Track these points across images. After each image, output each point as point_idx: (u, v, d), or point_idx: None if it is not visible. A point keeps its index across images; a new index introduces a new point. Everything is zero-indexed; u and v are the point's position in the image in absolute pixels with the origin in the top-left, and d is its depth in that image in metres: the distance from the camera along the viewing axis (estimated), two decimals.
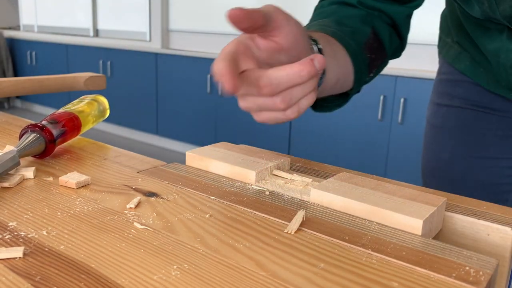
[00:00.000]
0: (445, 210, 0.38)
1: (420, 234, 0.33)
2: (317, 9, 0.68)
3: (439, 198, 0.37)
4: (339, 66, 0.57)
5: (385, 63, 0.68)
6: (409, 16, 0.66)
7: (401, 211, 0.34)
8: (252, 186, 0.43)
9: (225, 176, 0.45)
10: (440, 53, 0.78)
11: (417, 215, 0.34)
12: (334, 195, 0.38)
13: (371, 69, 0.64)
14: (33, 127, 0.48)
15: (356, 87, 0.63)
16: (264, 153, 0.49)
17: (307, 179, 0.44)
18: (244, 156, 0.47)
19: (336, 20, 0.62)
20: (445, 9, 0.75)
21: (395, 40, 0.66)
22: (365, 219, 0.36)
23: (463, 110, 0.72)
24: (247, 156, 0.47)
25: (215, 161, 0.46)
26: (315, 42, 0.52)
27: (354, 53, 0.59)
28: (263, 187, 0.42)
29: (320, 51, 0.51)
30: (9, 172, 0.43)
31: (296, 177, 0.44)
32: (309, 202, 0.39)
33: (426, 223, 0.34)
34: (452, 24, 0.72)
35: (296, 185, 0.42)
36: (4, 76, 4.86)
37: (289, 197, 0.40)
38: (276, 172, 0.45)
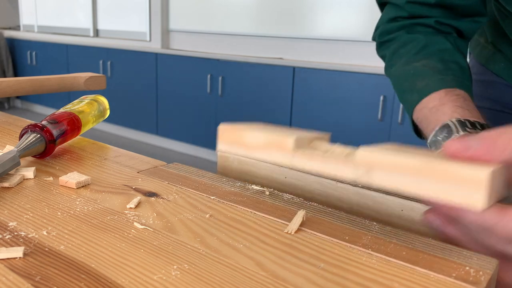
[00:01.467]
0: None
1: (484, 191, 0.27)
2: (385, 33, 0.64)
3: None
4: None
5: None
6: (476, 31, 0.65)
7: (462, 164, 0.29)
8: (253, 186, 0.43)
9: (259, 148, 0.39)
10: (470, 52, 0.76)
11: (482, 168, 0.28)
12: (384, 153, 0.32)
13: None
14: (33, 127, 0.48)
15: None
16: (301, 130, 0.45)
17: (349, 149, 0.38)
18: (281, 128, 0.43)
19: (440, 59, 0.58)
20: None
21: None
22: (365, 220, 0.36)
23: (494, 112, 0.71)
24: (284, 129, 0.43)
25: (250, 132, 0.40)
26: (480, 125, 0.49)
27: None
28: (298, 164, 0.37)
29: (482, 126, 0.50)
30: (9, 172, 0.43)
31: (336, 148, 0.39)
32: (309, 202, 0.39)
33: (494, 176, 0.28)
34: (488, 24, 0.71)
35: (338, 153, 0.37)
36: (4, 76, 4.87)
37: (289, 197, 0.40)
38: (315, 143, 0.40)
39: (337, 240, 0.32)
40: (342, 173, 0.34)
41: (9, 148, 0.50)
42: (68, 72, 0.79)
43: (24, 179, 0.43)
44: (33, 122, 0.51)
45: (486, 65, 0.71)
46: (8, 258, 0.29)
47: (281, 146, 0.38)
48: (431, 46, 0.60)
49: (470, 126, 0.49)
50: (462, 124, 0.49)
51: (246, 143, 0.40)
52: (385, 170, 0.31)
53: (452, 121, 0.50)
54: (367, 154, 0.32)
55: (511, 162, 0.30)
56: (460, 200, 0.28)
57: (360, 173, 0.33)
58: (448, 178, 0.28)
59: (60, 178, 0.42)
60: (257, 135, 0.40)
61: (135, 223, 0.34)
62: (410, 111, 0.59)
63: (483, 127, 0.49)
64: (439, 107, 0.54)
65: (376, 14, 0.70)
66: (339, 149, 0.37)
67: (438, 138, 0.51)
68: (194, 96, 3.44)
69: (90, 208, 0.37)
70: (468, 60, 0.78)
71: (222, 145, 0.42)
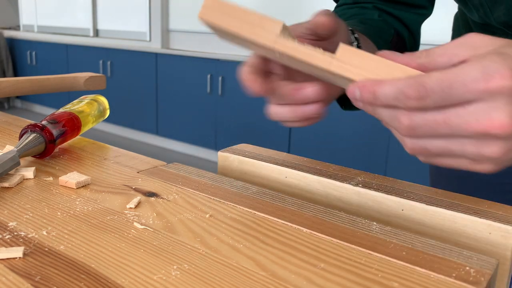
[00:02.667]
0: (446, 209, 0.38)
1: None
2: (336, 12, 0.70)
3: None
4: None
5: None
6: (420, 24, 0.69)
7: None
8: (253, 186, 0.42)
9: (245, 23, 0.38)
10: None
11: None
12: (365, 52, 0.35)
13: None
14: (33, 127, 0.48)
15: None
16: None
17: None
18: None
19: (361, 20, 0.64)
20: (457, 11, 0.76)
21: (411, 42, 0.70)
22: (365, 220, 0.36)
23: None
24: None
25: (240, 7, 0.39)
26: (352, 31, 0.53)
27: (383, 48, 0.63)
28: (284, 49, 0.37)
29: (357, 40, 0.53)
30: (9, 172, 0.43)
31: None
32: (309, 202, 0.39)
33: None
34: (463, 27, 0.73)
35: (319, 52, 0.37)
36: (4, 76, 4.87)
37: (289, 198, 0.40)
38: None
39: (337, 240, 0.32)
40: (317, 62, 0.36)
41: (9, 148, 0.50)
42: (68, 72, 0.79)
43: (24, 179, 0.43)
44: (33, 122, 0.51)
45: None
46: (8, 258, 0.29)
47: (268, 28, 0.37)
48: (361, 15, 0.66)
49: None
50: None
51: (233, 16, 0.39)
52: (353, 65, 0.35)
53: None
54: (341, 50, 0.35)
55: (425, 66, 0.34)
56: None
57: (331, 64, 0.36)
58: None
59: (60, 178, 0.42)
60: (246, 11, 0.38)
61: (135, 223, 0.34)
62: None
63: None
64: None
65: None
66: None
67: None
68: (194, 96, 3.44)
69: (90, 208, 0.37)
70: None
71: (206, 11, 0.39)
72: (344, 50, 0.36)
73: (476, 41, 0.33)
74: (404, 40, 0.66)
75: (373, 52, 0.60)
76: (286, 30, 0.38)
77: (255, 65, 0.42)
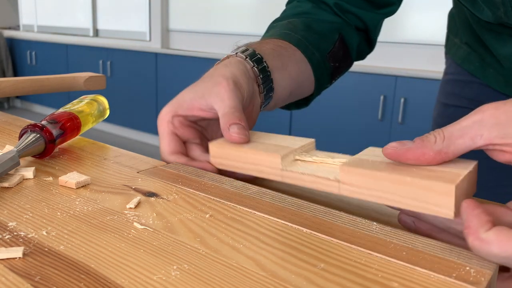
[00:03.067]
0: None
1: (452, 203, 0.31)
2: (291, 1, 0.69)
3: (470, 161, 0.35)
4: (291, 78, 0.57)
5: (348, 68, 0.69)
6: (381, 22, 0.68)
7: (432, 178, 0.32)
8: (253, 186, 0.42)
9: (250, 163, 0.43)
10: (447, 53, 0.77)
11: (448, 180, 0.31)
12: (359, 173, 0.35)
13: (334, 76, 0.66)
14: (33, 127, 0.48)
15: (317, 93, 0.65)
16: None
17: (340, 159, 0.41)
18: (268, 136, 0.46)
19: (306, 23, 0.62)
20: (453, 8, 0.75)
21: (363, 46, 0.68)
22: (365, 220, 0.36)
23: (471, 111, 0.71)
24: (269, 141, 0.45)
25: (239, 149, 0.44)
26: (260, 59, 0.52)
27: (317, 64, 0.60)
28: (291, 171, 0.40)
29: (264, 70, 0.53)
30: (9, 172, 0.43)
31: (321, 157, 0.42)
32: (309, 202, 0.39)
33: (458, 188, 0.32)
34: (461, 25, 0.71)
35: (331, 166, 0.40)
36: (4, 76, 4.86)
37: (289, 197, 0.40)
38: (301, 155, 0.43)
39: (337, 240, 0.32)
40: (326, 189, 0.38)
41: (8, 148, 0.50)
42: (68, 72, 0.79)
43: (23, 179, 0.43)
44: (32, 122, 0.51)
45: (462, 64, 0.72)
46: (7, 258, 0.29)
47: (269, 164, 0.42)
48: (311, 14, 0.64)
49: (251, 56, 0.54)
50: (251, 54, 0.54)
51: (236, 159, 0.45)
52: (361, 187, 0.35)
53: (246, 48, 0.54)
54: (344, 174, 0.36)
55: (444, 152, 0.33)
56: (431, 211, 0.32)
57: (340, 189, 0.37)
58: (417, 192, 0.32)
59: (59, 178, 0.42)
60: (246, 153, 0.44)
61: (135, 223, 0.34)
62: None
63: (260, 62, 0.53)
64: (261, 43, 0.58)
65: None
66: (324, 159, 0.42)
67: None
68: None
69: (89, 208, 0.37)
70: (444, 61, 0.78)
71: (214, 160, 0.47)
72: (345, 172, 0.36)
73: (498, 115, 0.32)
74: (348, 49, 0.65)
75: (291, 64, 0.59)
76: (286, 157, 0.42)
77: (181, 152, 0.49)
